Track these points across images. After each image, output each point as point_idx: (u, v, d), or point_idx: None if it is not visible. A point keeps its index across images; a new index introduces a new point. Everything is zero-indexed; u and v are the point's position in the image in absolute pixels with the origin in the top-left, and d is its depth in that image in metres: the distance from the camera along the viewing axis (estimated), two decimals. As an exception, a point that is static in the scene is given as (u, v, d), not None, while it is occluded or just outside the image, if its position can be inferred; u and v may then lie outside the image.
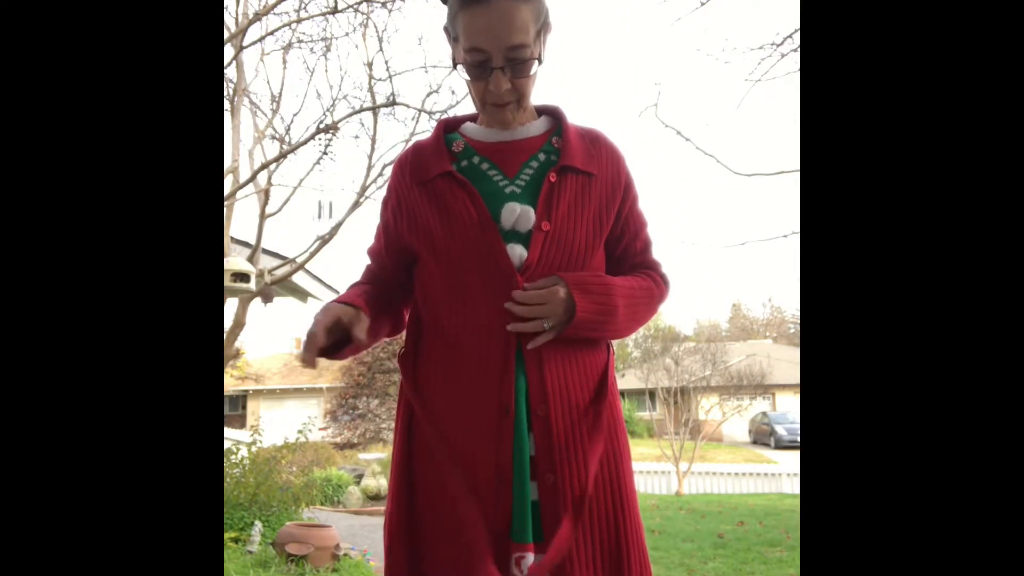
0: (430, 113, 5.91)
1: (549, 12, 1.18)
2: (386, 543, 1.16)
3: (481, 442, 1.09)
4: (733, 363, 17.94)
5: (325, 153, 5.66)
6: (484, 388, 1.10)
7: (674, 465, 12.65)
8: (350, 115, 5.90)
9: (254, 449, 5.55)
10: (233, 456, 5.29)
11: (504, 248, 1.12)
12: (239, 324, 6.15)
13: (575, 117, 1.26)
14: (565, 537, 1.05)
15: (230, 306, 6.15)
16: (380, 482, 9.51)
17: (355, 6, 5.57)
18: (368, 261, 1.31)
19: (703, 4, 4.80)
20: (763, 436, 23.16)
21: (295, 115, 6.97)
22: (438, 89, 5.97)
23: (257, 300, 5.93)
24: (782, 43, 4.81)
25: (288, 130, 6.16)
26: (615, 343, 1.27)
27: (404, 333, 1.27)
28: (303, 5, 5.70)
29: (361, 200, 6.02)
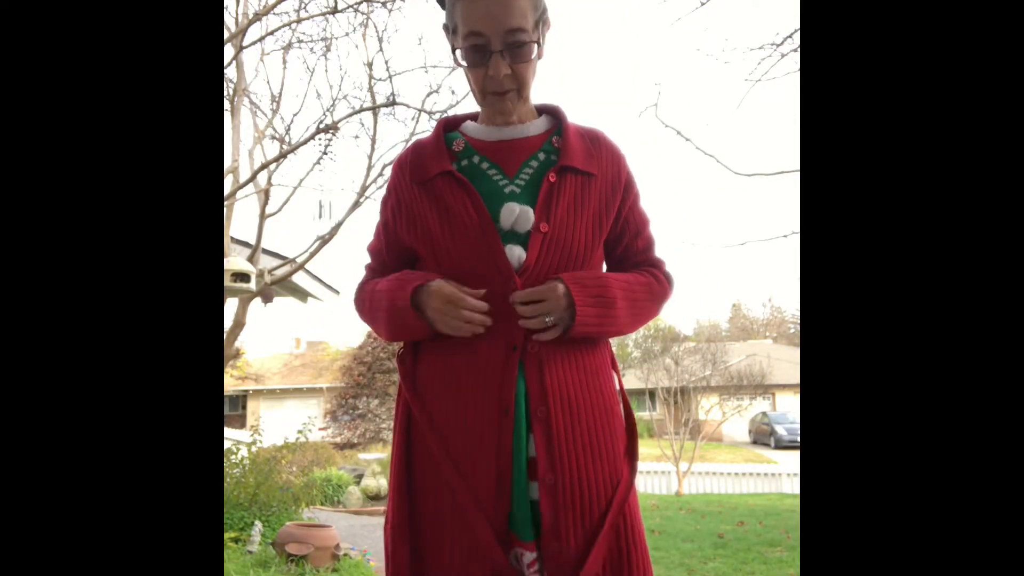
0: (430, 113, 5.91)
1: (548, 9, 1.19)
2: (386, 543, 1.16)
3: (481, 443, 1.09)
4: (733, 363, 17.94)
5: (325, 153, 5.66)
6: (484, 389, 1.10)
7: (674, 465, 12.65)
8: (350, 115, 5.91)
9: (254, 449, 5.55)
10: (233, 456, 5.29)
11: (503, 249, 1.12)
12: (239, 324, 6.15)
13: (575, 117, 1.26)
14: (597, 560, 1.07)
15: (230, 306, 6.16)
16: (380, 482, 9.51)
17: (355, 6, 5.57)
18: (368, 259, 1.30)
19: (703, 4, 4.80)
20: (763, 436, 23.16)
21: (295, 115, 6.98)
22: (438, 89, 5.98)
23: (257, 300, 5.93)
24: (782, 43, 4.81)
25: (288, 130, 6.17)
26: (614, 343, 1.27)
27: None
28: (303, 5, 5.71)
29: (361, 200, 6.02)
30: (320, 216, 6.30)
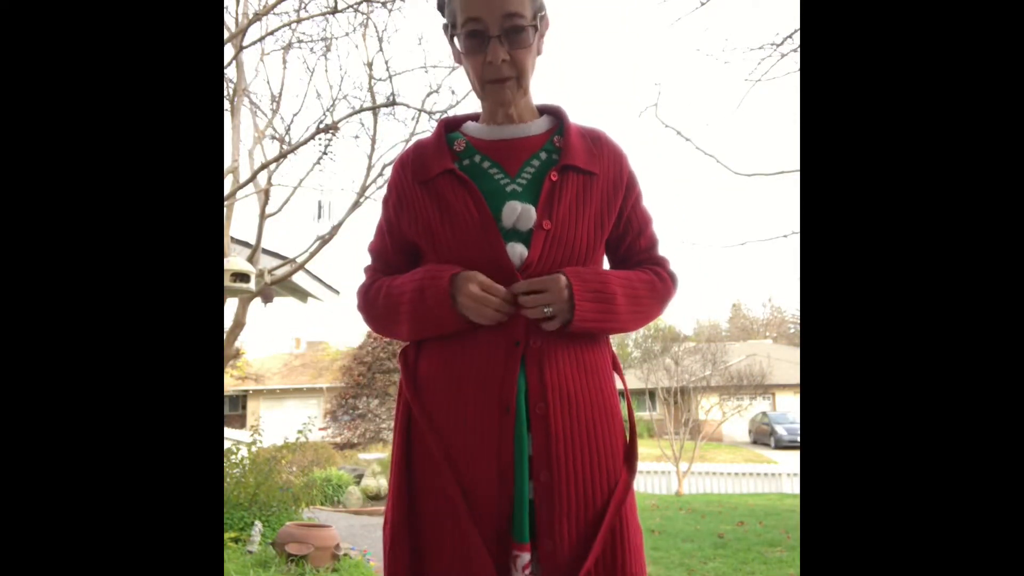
0: (430, 113, 5.91)
1: (546, 8, 1.20)
2: (386, 543, 1.16)
3: (482, 442, 1.09)
4: (733, 363, 17.94)
5: (325, 153, 5.66)
6: (485, 386, 1.10)
7: (674, 465, 12.65)
8: (350, 115, 5.90)
9: (254, 449, 5.55)
10: (233, 456, 5.29)
11: (504, 247, 1.12)
12: (239, 324, 6.15)
13: (576, 117, 1.26)
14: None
15: (230, 306, 6.15)
16: (380, 482, 9.51)
17: (355, 6, 5.57)
18: (369, 260, 1.30)
19: (703, 4, 4.80)
20: (763, 436, 23.16)
21: (295, 115, 6.98)
22: (438, 89, 5.98)
23: (257, 300, 5.93)
24: (782, 43, 4.80)
25: (288, 130, 6.16)
26: (614, 343, 1.27)
27: None
28: (303, 5, 5.71)
29: (361, 200, 6.02)
30: (320, 216, 6.30)
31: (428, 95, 5.95)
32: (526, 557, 1.07)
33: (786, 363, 22.03)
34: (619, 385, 1.23)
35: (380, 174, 6.08)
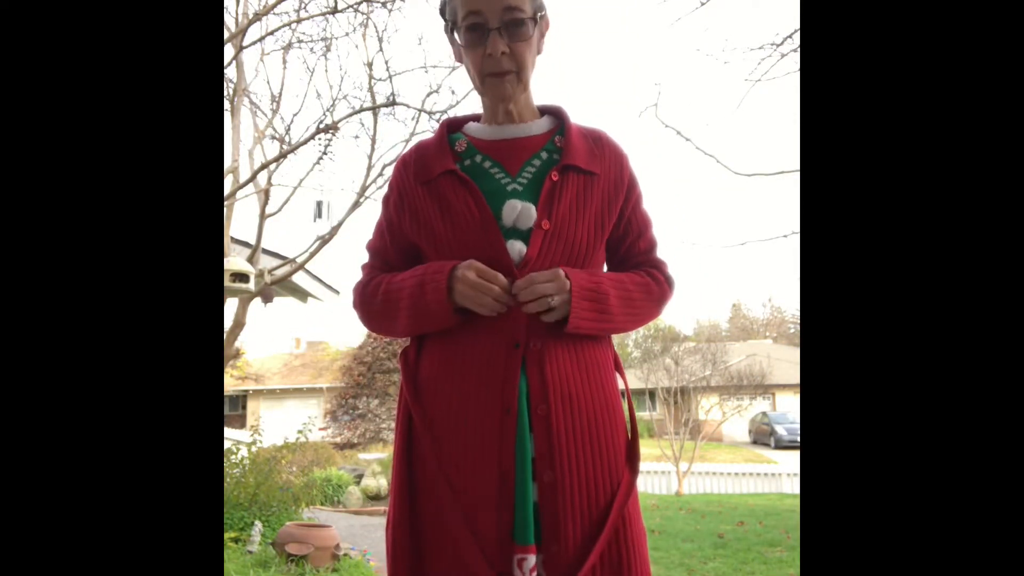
0: (430, 113, 5.91)
1: (546, 9, 1.20)
2: (388, 543, 1.16)
3: (483, 444, 1.09)
4: (733, 363, 17.94)
5: (325, 153, 5.66)
6: (486, 388, 1.10)
7: (674, 465, 12.65)
8: (350, 115, 5.90)
9: (254, 449, 5.55)
10: (233, 456, 5.29)
11: (504, 244, 1.12)
12: (239, 324, 6.15)
13: (576, 117, 1.26)
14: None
15: (230, 306, 6.15)
16: (380, 482, 9.51)
17: (355, 6, 5.57)
18: (368, 257, 1.30)
19: (703, 4, 4.80)
20: (763, 436, 23.15)
21: (295, 115, 6.97)
22: (438, 89, 5.97)
23: (257, 300, 5.93)
24: (782, 43, 4.81)
25: (288, 130, 6.16)
26: (614, 343, 1.27)
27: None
28: (303, 5, 5.71)
29: (361, 200, 6.02)
30: (320, 216, 6.30)
31: (428, 95, 5.96)
32: (532, 559, 1.06)
33: (786, 363, 22.03)
34: (620, 385, 1.22)
35: (380, 174, 6.08)
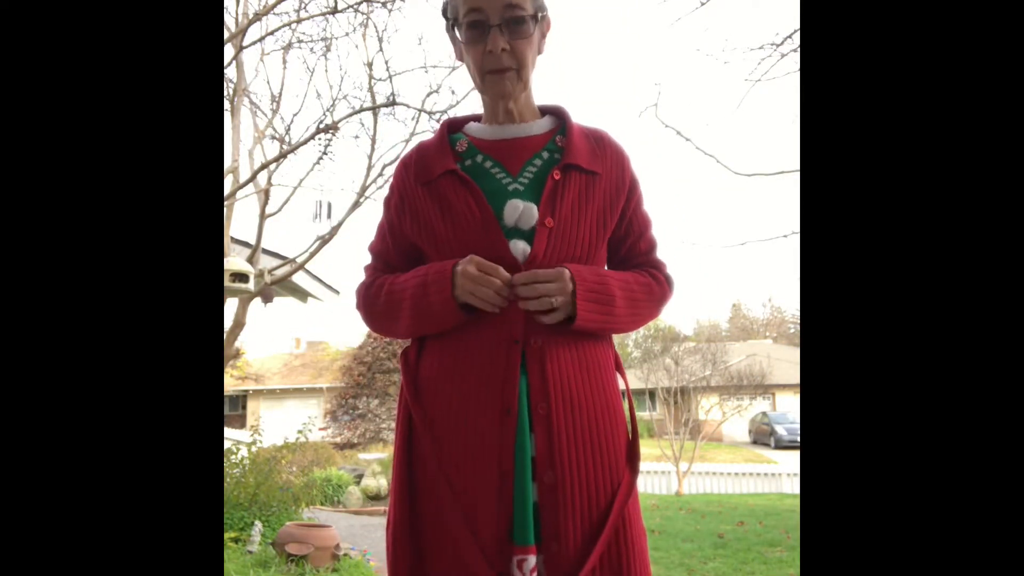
0: (430, 113, 5.90)
1: (547, 10, 1.20)
2: (388, 543, 1.16)
3: (483, 444, 1.09)
4: (733, 363, 17.93)
5: (325, 153, 5.66)
6: (486, 388, 1.10)
7: (674, 465, 12.65)
8: (350, 115, 5.90)
9: (254, 449, 5.55)
10: (233, 456, 5.29)
11: (507, 245, 1.12)
12: (239, 324, 6.15)
13: (577, 117, 1.26)
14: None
15: (230, 306, 6.15)
16: (380, 482, 9.52)
17: (355, 6, 5.57)
18: (369, 259, 1.30)
19: (703, 4, 4.80)
20: (763, 436, 23.15)
21: (295, 115, 6.97)
22: (438, 89, 5.97)
23: (257, 300, 5.93)
24: (782, 43, 4.81)
25: (288, 130, 6.16)
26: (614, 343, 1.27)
27: None
28: (303, 5, 5.70)
29: (361, 200, 6.02)
30: (320, 216, 6.29)
31: (428, 95, 5.96)
32: (532, 560, 1.06)
33: (786, 363, 22.03)
34: (620, 385, 1.22)
35: (380, 174, 6.08)
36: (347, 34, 6.06)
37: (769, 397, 24.40)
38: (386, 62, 6.63)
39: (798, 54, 3.79)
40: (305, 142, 5.58)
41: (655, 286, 1.24)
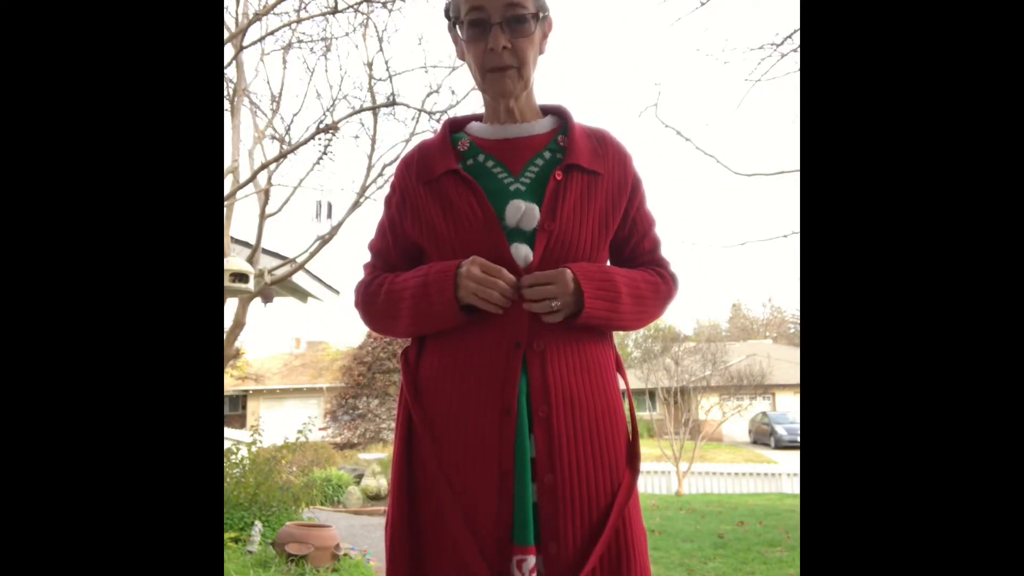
0: (430, 113, 5.90)
1: (549, 10, 1.20)
2: (387, 543, 1.16)
3: (483, 444, 1.09)
4: (733, 363, 17.93)
5: (325, 153, 5.66)
6: (486, 388, 1.10)
7: (674, 465, 12.64)
8: (350, 115, 5.91)
9: (254, 449, 5.55)
10: (233, 456, 5.29)
11: (508, 245, 1.12)
12: (239, 324, 6.15)
13: (578, 116, 1.26)
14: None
15: (230, 306, 6.15)
16: (380, 482, 9.51)
17: (355, 6, 5.57)
18: (369, 257, 1.30)
19: (703, 4, 4.80)
20: (763, 436, 23.15)
21: (295, 115, 6.97)
22: (438, 89, 5.97)
23: (257, 300, 5.93)
24: (782, 43, 4.81)
25: (288, 130, 6.17)
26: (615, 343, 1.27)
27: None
28: (303, 5, 5.70)
29: (361, 200, 6.02)
30: (320, 216, 6.29)
31: (428, 95, 5.95)
32: (532, 560, 1.06)
33: (786, 363, 22.03)
34: (621, 385, 1.22)
35: (380, 174, 6.08)
36: (347, 34, 6.07)
37: (769, 397, 24.39)
38: (386, 62, 6.62)
39: (798, 54, 3.80)
40: (305, 142, 5.58)
41: (661, 284, 1.24)
